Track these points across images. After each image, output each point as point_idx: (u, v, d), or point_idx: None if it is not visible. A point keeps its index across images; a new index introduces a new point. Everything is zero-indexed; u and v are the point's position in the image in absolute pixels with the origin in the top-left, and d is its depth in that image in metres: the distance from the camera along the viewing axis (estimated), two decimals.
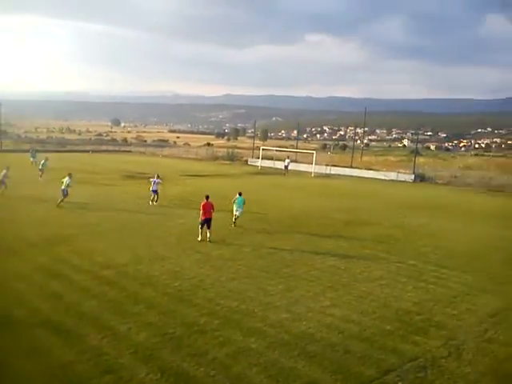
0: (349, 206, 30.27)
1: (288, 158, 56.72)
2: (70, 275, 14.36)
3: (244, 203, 22.77)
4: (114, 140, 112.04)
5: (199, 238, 19.35)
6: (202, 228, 19.51)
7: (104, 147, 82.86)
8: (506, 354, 10.35)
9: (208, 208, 19.53)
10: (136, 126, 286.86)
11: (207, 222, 19.42)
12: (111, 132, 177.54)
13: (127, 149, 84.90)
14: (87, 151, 71.30)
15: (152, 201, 27.49)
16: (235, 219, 22.79)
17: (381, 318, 12.01)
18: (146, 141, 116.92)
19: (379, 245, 20.09)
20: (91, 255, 16.51)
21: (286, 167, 53.43)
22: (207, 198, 19.81)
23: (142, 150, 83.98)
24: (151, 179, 28.35)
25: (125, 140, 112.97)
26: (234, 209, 22.85)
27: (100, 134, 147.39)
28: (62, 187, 26.11)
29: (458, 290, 14.58)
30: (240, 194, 22.98)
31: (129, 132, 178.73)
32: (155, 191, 27.65)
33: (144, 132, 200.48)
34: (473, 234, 23.40)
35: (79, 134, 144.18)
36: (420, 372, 9.38)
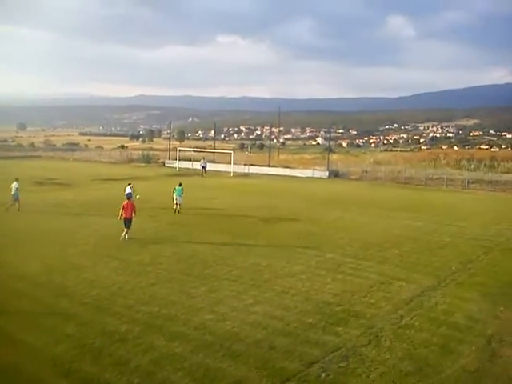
0: (268, 204, 30.64)
1: (204, 158, 55.94)
2: None
3: (183, 193, 26.75)
4: (20, 145, 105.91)
5: (125, 238, 19.77)
6: (125, 227, 19.94)
7: (10, 153, 78.06)
8: (422, 339, 10.89)
9: (129, 208, 20.08)
10: (44, 130, 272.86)
11: (128, 221, 19.94)
12: (17, 137, 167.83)
13: (35, 154, 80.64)
14: None
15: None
16: (176, 208, 26.41)
17: (303, 312, 12.25)
18: (55, 145, 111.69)
19: (298, 240, 20.51)
20: (1, 267, 15.51)
21: (204, 168, 52.80)
22: (129, 198, 21.27)
23: (51, 154, 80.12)
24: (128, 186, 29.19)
25: (32, 145, 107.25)
26: (174, 198, 26.54)
27: (5, 140, 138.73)
28: (12, 192, 26.36)
29: (374, 279, 15.19)
30: (180, 185, 27.13)
31: (35, 137, 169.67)
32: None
33: (53, 136, 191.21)
34: (385, 226, 24.50)
35: None
36: (342, 361, 9.66)
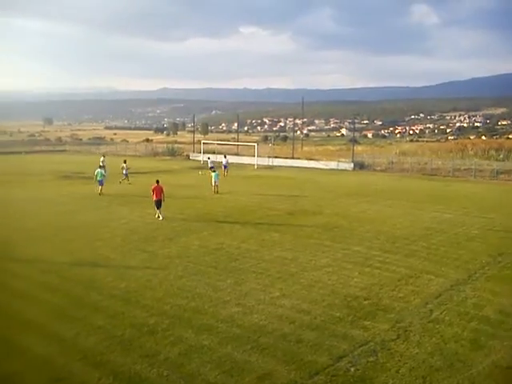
0: (292, 197, 30.56)
1: (225, 156, 52.65)
2: (10, 283, 13.75)
3: (218, 176, 32.25)
4: (47, 140, 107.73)
5: (159, 218, 22.41)
6: (157, 208, 22.62)
7: (37, 148, 79.47)
8: (452, 333, 10.71)
9: (158, 191, 22.54)
10: (70, 124, 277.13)
11: (158, 203, 22.50)
12: (44, 131, 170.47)
13: (62, 148, 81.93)
14: (19, 152, 68.17)
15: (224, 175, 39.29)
16: (214, 189, 31.48)
17: (330, 306, 12.19)
18: (81, 139, 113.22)
19: (324, 233, 20.41)
20: (31, 261, 15.85)
21: (226, 167, 45.31)
22: (157, 182, 23.12)
23: (78, 148, 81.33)
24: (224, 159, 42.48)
25: (59, 139, 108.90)
26: (212, 181, 31.57)
27: (32, 135, 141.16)
28: (99, 178, 29.71)
29: (402, 273, 15.02)
30: (214, 171, 32.69)
31: (61, 131, 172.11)
32: (212, 167, 36.78)
33: (79, 130, 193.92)
34: (412, 218, 24.18)
35: (10, 135, 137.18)
36: (371, 356, 9.59)
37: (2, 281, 13.95)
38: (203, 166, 52.41)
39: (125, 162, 37.49)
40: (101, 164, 37.88)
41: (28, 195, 29.53)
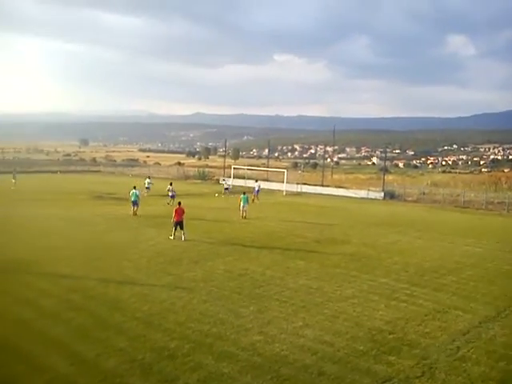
0: (320, 225, 30.33)
1: (256, 181, 49.58)
2: (37, 300, 13.94)
3: (248, 201, 31.77)
4: (82, 160, 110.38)
5: (171, 237, 23.00)
6: (175, 229, 23.11)
7: (72, 167, 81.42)
8: (479, 372, 10.35)
9: (179, 212, 23.31)
10: (105, 146, 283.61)
11: (179, 224, 23.08)
12: (80, 152, 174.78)
13: (96, 169, 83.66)
14: (55, 172, 69.91)
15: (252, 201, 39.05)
16: (243, 214, 30.78)
17: (354, 338, 11.94)
18: (115, 160, 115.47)
19: (351, 263, 20.13)
20: (58, 279, 16.09)
21: (258, 191, 44.82)
22: (179, 204, 24.04)
23: (112, 169, 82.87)
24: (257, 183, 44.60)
25: (94, 160, 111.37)
26: (241, 205, 30.78)
27: (68, 154, 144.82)
28: (133, 199, 30.41)
29: (429, 307, 14.65)
30: (244, 194, 31.73)
31: (96, 152, 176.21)
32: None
33: (113, 151, 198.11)
34: (442, 251, 23.68)
35: (47, 155, 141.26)
36: None
37: (29, 298, 14.17)
38: (232, 191, 52.69)
39: (171, 184, 38.59)
40: (146, 185, 41.54)
41: (62, 214, 30.11)
